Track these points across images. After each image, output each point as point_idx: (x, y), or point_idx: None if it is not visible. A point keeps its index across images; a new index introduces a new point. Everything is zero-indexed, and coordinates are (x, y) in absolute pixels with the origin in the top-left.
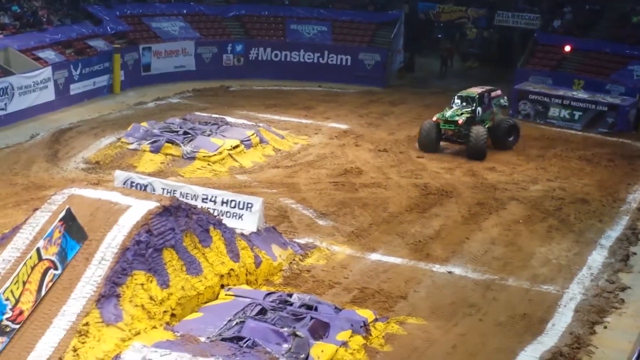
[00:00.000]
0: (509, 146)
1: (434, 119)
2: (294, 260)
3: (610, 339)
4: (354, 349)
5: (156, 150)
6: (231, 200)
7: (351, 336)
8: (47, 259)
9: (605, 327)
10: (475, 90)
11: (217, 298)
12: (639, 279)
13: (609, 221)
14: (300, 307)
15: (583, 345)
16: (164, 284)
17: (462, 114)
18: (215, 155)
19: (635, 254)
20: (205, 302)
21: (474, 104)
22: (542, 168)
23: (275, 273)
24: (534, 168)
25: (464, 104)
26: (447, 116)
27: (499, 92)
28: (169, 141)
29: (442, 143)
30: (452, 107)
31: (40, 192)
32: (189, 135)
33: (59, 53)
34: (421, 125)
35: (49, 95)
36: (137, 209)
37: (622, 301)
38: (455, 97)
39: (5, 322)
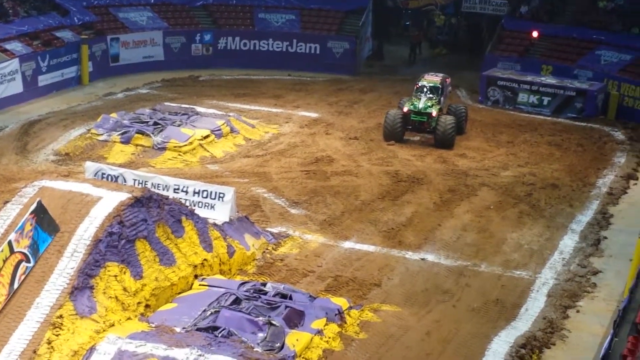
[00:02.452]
0: (462, 132)
1: (405, 109)
2: (267, 249)
3: (584, 323)
4: (329, 337)
5: (126, 141)
6: (203, 191)
7: (326, 324)
8: (19, 252)
9: (578, 312)
10: (437, 80)
11: (191, 288)
12: (610, 263)
13: (580, 206)
14: (274, 296)
15: (556, 329)
16: (138, 275)
17: (432, 105)
18: (185, 145)
19: (606, 238)
20: (179, 293)
21: (438, 93)
22: (512, 154)
23: (248, 262)
24: (504, 154)
25: (431, 94)
26: (419, 108)
27: (449, 79)
28: (139, 132)
29: (406, 133)
30: (419, 97)
31: (10, 185)
32: (159, 126)
33: (26, 45)
34: (385, 115)
35: (16, 87)
36: (109, 201)
37: (594, 285)
38: (424, 86)
39: None
